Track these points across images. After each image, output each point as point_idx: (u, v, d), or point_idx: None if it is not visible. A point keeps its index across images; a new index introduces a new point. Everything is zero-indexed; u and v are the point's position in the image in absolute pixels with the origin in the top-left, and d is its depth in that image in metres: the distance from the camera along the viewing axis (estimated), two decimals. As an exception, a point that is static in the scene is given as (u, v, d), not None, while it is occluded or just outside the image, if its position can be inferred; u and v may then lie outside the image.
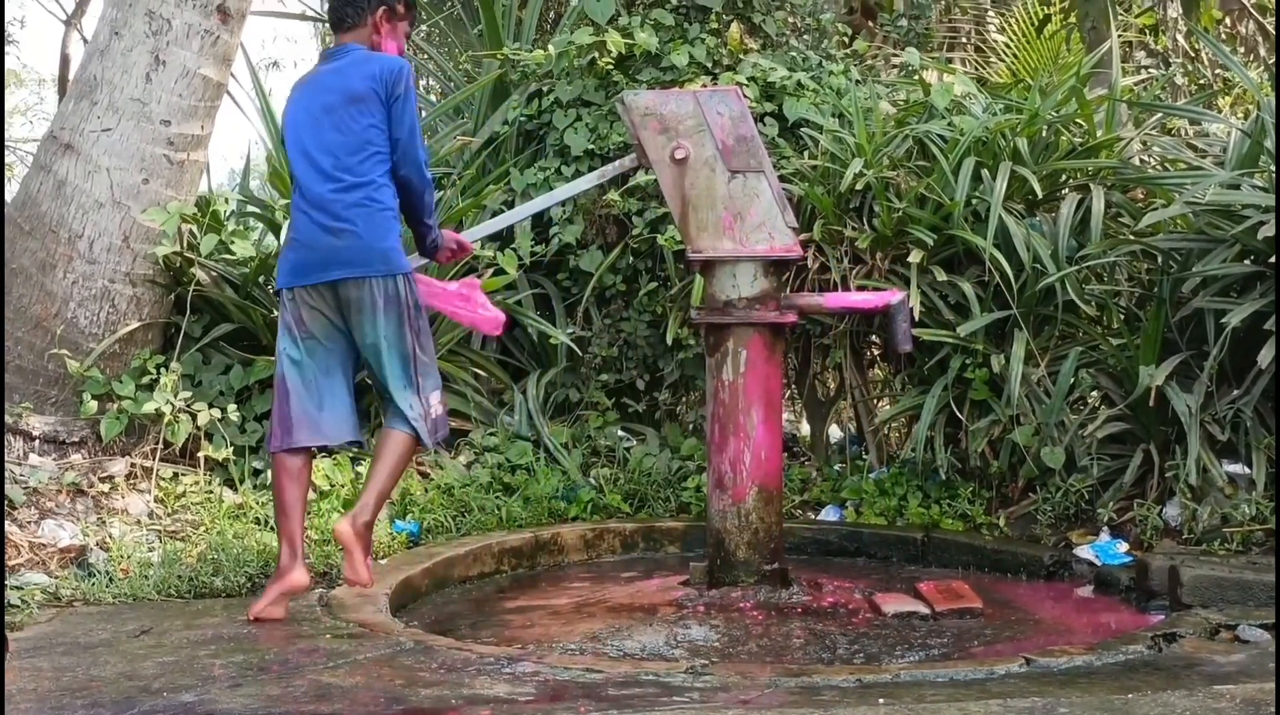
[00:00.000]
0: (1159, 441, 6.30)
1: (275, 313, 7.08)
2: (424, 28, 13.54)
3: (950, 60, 12.15)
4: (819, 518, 7.14)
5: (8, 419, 6.61)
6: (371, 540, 5.33)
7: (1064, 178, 7.38)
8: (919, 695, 3.91)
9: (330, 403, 5.22)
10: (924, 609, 5.51)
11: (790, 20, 8.99)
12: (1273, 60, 11.29)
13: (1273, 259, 5.87)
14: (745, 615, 5.48)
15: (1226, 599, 5.17)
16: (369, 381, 5.53)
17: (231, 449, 6.86)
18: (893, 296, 5.82)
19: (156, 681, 4.10)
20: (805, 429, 8.82)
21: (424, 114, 10.83)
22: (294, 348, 5.18)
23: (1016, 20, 12.93)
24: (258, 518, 6.44)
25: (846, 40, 9.46)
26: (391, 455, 5.19)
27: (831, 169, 7.42)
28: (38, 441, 6.70)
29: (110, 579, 5.61)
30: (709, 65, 8.32)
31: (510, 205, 8.39)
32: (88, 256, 6.93)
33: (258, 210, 7.92)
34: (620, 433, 7.92)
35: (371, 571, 5.21)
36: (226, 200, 7.54)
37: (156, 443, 6.77)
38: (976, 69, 12.64)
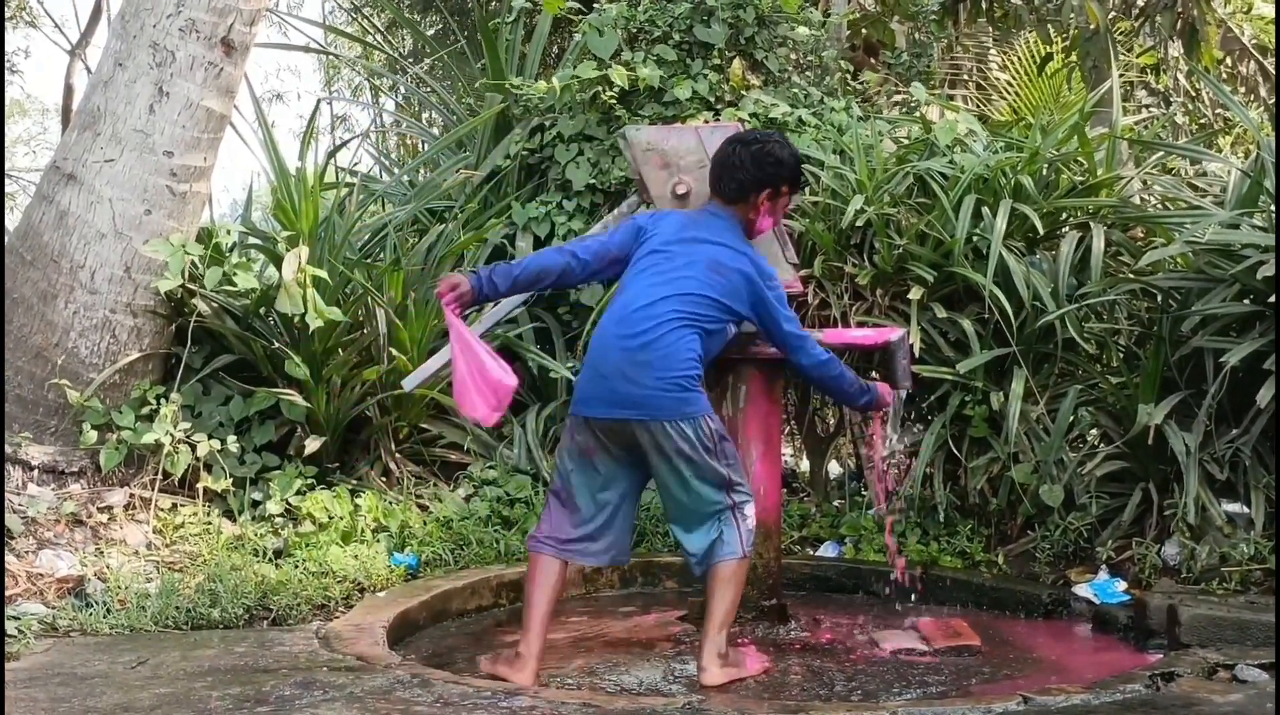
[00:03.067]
0: (1158, 480, 6.30)
1: (275, 343, 7.10)
2: (427, 61, 13.60)
3: (952, 97, 12.21)
4: (818, 554, 7.13)
5: (6, 448, 6.61)
6: (735, 656, 5.12)
7: (1064, 216, 7.39)
8: (916, 733, 3.90)
9: None
10: (922, 646, 5.51)
11: (792, 57, 9.03)
12: (1273, 100, 11.33)
13: (1271, 299, 5.87)
14: (743, 651, 5.46)
15: (1224, 638, 5.16)
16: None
17: (230, 480, 6.86)
18: (893, 333, 5.83)
19: (153, 713, 4.10)
20: (805, 465, 8.81)
21: (426, 147, 10.88)
22: None
23: (1018, 58, 13.00)
24: (256, 549, 6.44)
25: (849, 77, 9.49)
26: None
27: (832, 205, 7.43)
28: (36, 471, 6.70)
29: (107, 610, 5.60)
30: (711, 101, 8.35)
31: (511, 239, 8.42)
32: (89, 287, 6.94)
33: (259, 242, 7.93)
34: (619, 467, 7.90)
35: (755, 661, 5.17)
36: (229, 232, 7.55)
37: (155, 473, 6.76)
38: (978, 106, 12.69)
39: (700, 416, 4.96)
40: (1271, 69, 11.48)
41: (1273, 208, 6.42)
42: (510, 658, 4.98)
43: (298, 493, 6.89)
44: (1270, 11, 12.00)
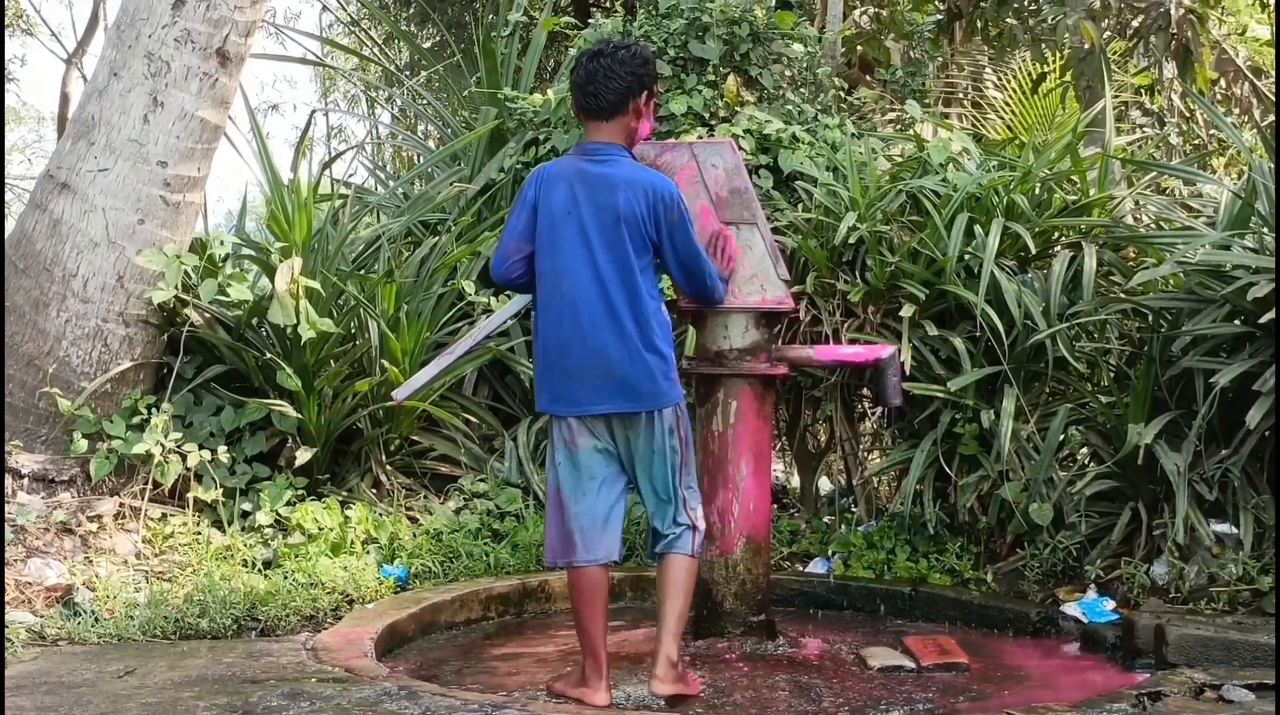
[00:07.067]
0: (1147, 500, 6.31)
1: (267, 354, 7.10)
2: (423, 74, 13.61)
3: (946, 115, 12.22)
4: (807, 570, 7.12)
5: (-3, 456, 6.62)
6: (683, 670, 5.02)
7: (1056, 235, 7.41)
8: (902, 750, 3.90)
9: None
10: (910, 663, 5.51)
11: (787, 73, 9.04)
12: (1265, 123, 11.35)
13: (1261, 319, 5.88)
14: (731, 666, 5.47)
15: (1212, 659, 5.17)
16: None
17: (221, 491, 6.86)
18: (883, 350, 5.85)
19: (138, 723, 4.10)
20: (795, 481, 8.82)
21: (421, 160, 10.88)
22: None
23: (1013, 77, 13.00)
24: (245, 560, 6.43)
25: (843, 94, 9.51)
26: None
27: (825, 222, 7.44)
28: (26, 480, 6.70)
29: (95, 619, 5.60)
30: (705, 116, 8.36)
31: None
32: (81, 296, 6.94)
33: (253, 253, 7.94)
34: (610, 481, 7.88)
35: (693, 681, 5.05)
36: (222, 242, 7.56)
37: (146, 483, 6.76)
38: (973, 125, 12.70)
39: None
40: (1265, 91, 11.51)
41: (1264, 230, 6.44)
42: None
43: (288, 504, 6.88)
44: (1266, 34, 12.02)
